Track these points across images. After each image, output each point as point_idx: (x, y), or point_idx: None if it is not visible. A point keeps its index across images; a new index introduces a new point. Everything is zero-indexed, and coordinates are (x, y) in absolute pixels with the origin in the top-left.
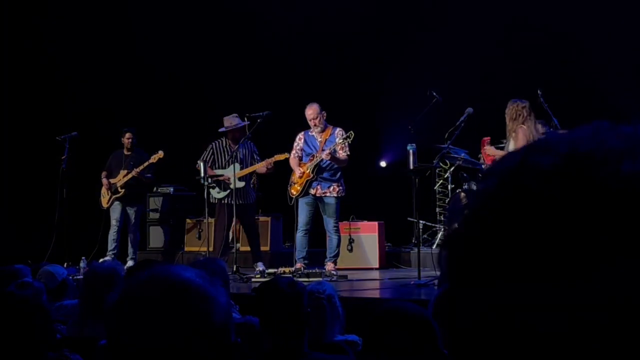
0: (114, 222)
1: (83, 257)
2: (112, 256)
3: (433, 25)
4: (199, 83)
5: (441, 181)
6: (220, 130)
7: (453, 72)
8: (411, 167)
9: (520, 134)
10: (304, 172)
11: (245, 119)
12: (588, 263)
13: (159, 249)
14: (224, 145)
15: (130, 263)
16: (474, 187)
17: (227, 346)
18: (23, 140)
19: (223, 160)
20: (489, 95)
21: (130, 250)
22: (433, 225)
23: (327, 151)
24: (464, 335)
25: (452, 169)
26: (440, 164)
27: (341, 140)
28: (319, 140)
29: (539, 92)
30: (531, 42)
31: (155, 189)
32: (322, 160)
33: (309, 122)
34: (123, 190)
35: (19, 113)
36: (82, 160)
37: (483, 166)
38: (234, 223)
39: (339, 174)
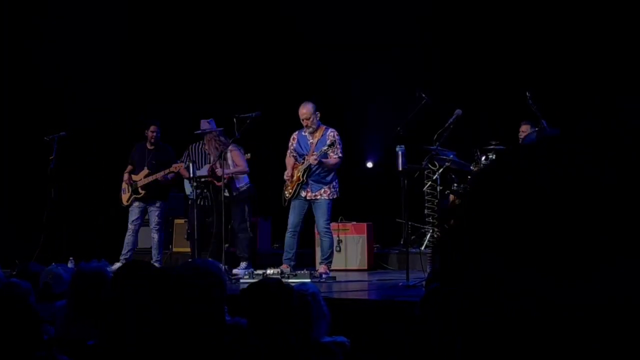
0: (130, 225)
1: (71, 258)
2: (124, 261)
3: (420, 25)
4: (189, 83)
5: (430, 182)
6: (196, 132)
7: (441, 72)
8: (400, 168)
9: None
10: (295, 175)
11: (234, 120)
12: (588, 263)
13: (147, 249)
14: (200, 147)
15: (156, 265)
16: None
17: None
18: (11, 141)
19: (198, 161)
20: (477, 96)
21: (153, 252)
22: (422, 226)
23: (314, 156)
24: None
25: (440, 170)
26: (429, 165)
27: (325, 147)
28: (311, 142)
29: (527, 93)
30: (520, 42)
31: None
32: (313, 164)
33: (301, 121)
34: (143, 192)
35: (6, 113)
36: (70, 160)
37: (472, 168)
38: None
39: (330, 176)
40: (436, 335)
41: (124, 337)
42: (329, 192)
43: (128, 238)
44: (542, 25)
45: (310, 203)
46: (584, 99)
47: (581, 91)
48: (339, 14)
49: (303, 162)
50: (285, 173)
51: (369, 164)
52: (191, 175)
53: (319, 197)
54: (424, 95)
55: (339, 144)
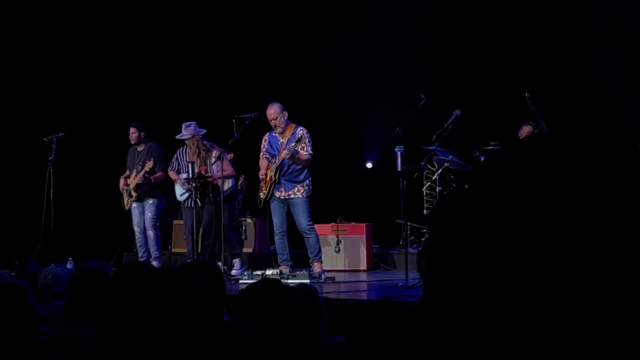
0: (135, 229)
1: (70, 258)
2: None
3: (420, 26)
4: (184, 84)
5: (429, 183)
6: (177, 137)
7: (441, 73)
8: (399, 169)
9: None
10: (268, 175)
11: (233, 120)
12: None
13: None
14: (186, 151)
15: (154, 264)
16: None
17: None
18: (10, 141)
19: (184, 165)
20: (476, 97)
21: (151, 249)
22: (421, 227)
23: (286, 150)
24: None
25: (439, 170)
26: (428, 166)
27: (293, 144)
28: (281, 142)
29: (526, 94)
30: (519, 42)
31: None
32: (283, 161)
33: (269, 122)
34: (136, 193)
35: (5, 113)
36: (69, 161)
37: (470, 168)
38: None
39: (303, 174)
40: (434, 333)
41: (123, 338)
42: (302, 191)
43: (138, 241)
44: (540, 25)
45: (287, 203)
46: (582, 99)
47: (579, 91)
48: (339, 14)
49: (275, 162)
50: (260, 173)
51: (369, 165)
52: (191, 175)
53: (292, 196)
54: (422, 96)
55: (309, 141)
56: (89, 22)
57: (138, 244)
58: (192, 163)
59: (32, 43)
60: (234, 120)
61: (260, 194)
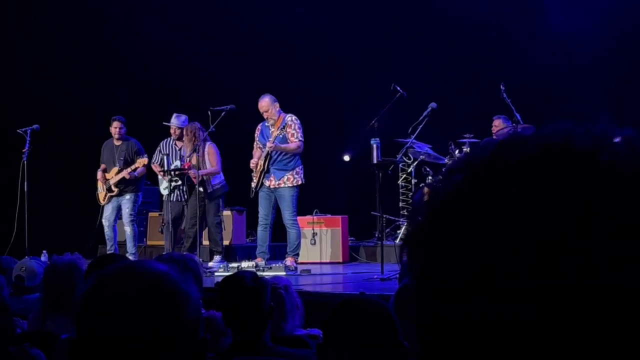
0: (104, 222)
1: (44, 251)
2: None
3: (397, 20)
4: (164, 76)
5: (404, 175)
6: (165, 124)
7: (417, 66)
8: (375, 161)
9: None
10: (257, 164)
11: (209, 113)
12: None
13: (121, 242)
14: (170, 143)
15: (131, 259)
16: (434, 182)
17: (197, 341)
18: None
19: (171, 156)
20: (452, 90)
21: (128, 245)
22: (396, 219)
23: (269, 143)
24: (426, 329)
25: (415, 163)
26: (404, 158)
27: (277, 132)
28: (272, 131)
29: (501, 87)
30: (494, 37)
31: None
32: (271, 150)
33: (262, 114)
34: (117, 189)
35: None
36: (43, 153)
37: (446, 160)
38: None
39: (293, 162)
40: (404, 328)
41: (99, 332)
42: (292, 179)
43: (108, 234)
44: (513, 18)
45: (275, 193)
46: (557, 93)
47: (555, 85)
48: (317, 8)
49: (264, 152)
50: (251, 162)
51: (346, 158)
52: (165, 168)
53: (282, 184)
54: (398, 89)
55: (299, 128)
56: (64, 13)
57: (107, 238)
58: (167, 156)
59: (9, 34)
60: (209, 112)
61: (252, 183)
